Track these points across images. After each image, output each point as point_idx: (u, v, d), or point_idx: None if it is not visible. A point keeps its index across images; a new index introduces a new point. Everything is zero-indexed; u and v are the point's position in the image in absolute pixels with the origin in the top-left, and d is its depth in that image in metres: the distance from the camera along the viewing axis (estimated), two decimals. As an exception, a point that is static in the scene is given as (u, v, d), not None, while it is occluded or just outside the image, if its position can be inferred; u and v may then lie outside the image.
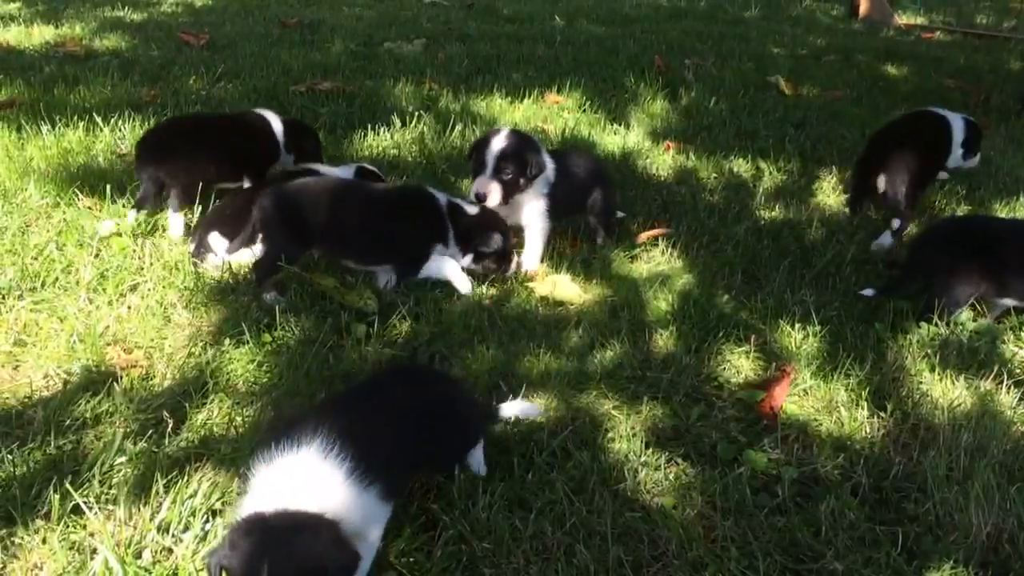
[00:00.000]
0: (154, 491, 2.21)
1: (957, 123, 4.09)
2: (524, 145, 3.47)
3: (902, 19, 9.62)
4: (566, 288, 3.32)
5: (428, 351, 2.91)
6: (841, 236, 3.84)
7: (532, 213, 3.54)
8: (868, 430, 2.61)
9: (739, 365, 2.95)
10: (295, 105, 5.27)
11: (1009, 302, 3.16)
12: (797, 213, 4.14)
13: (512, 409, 2.54)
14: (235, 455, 2.36)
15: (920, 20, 9.71)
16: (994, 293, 3.15)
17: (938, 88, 6.46)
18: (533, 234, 3.56)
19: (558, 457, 2.44)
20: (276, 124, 4.03)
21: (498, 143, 3.42)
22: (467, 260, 3.40)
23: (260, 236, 3.24)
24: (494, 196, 3.40)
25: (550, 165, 3.55)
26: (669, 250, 3.69)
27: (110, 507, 2.17)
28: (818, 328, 3.10)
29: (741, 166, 4.73)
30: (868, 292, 3.30)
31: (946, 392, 2.76)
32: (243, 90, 5.54)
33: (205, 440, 2.44)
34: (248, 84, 5.64)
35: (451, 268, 3.33)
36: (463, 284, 3.30)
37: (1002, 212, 4.18)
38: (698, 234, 3.83)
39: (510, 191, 3.43)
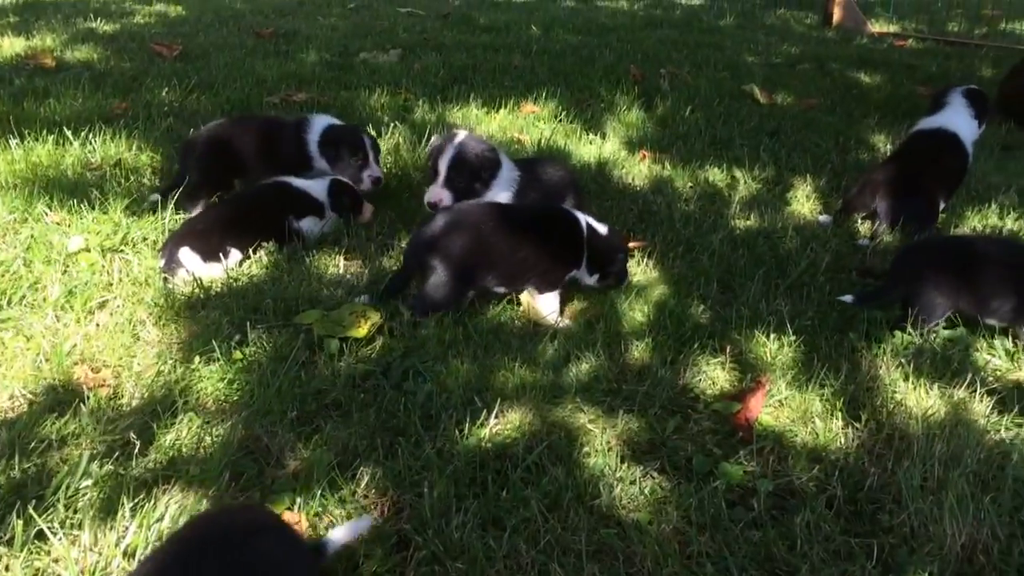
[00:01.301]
0: (120, 515, 2.17)
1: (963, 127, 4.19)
2: (477, 151, 3.45)
3: (875, 27, 9.69)
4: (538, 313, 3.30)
5: (402, 366, 2.88)
6: (815, 245, 3.85)
7: None
8: (843, 441, 2.61)
9: (715, 376, 2.94)
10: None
11: (991, 322, 3.16)
12: (772, 222, 4.15)
13: (342, 534, 2.12)
14: (204, 476, 2.32)
15: (892, 28, 9.78)
16: (974, 312, 3.16)
17: (911, 96, 6.50)
18: None
19: (533, 473, 2.42)
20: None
21: (450, 151, 3.40)
22: (594, 279, 3.37)
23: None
24: (446, 204, 3.39)
25: (514, 172, 3.54)
26: (645, 260, 3.68)
27: (75, 532, 2.12)
28: (793, 338, 3.10)
29: (716, 175, 4.74)
30: (847, 298, 3.31)
31: (920, 401, 2.77)
32: (216, 102, 5.49)
33: (173, 461, 2.40)
34: (221, 95, 5.60)
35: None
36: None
37: (975, 219, 4.20)
38: (674, 244, 3.83)
39: (465, 198, 3.41)
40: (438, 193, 3.42)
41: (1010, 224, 4.14)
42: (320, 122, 4.19)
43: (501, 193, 3.52)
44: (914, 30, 9.72)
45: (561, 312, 3.30)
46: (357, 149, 4.03)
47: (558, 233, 3.30)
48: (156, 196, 3.98)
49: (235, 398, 2.70)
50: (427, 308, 3.12)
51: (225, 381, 2.76)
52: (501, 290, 3.27)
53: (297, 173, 3.97)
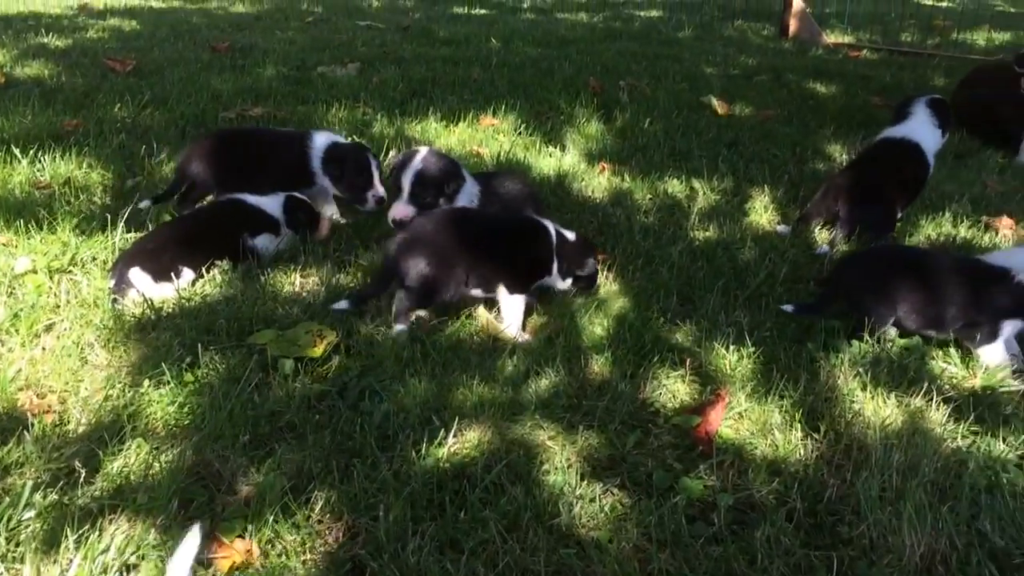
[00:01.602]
0: (64, 547, 2.10)
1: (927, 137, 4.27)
2: (440, 166, 3.44)
3: (830, 38, 9.82)
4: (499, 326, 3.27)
5: (358, 386, 2.83)
6: (773, 255, 3.86)
7: None
8: (802, 452, 2.61)
9: (675, 389, 2.93)
10: (224, 132, 5.16)
11: (931, 333, 3.19)
12: (731, 233, 4.16)
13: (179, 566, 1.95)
14: (151, 504, 2.25)
15: (847, 39, 9.91)
16: (914, 325, 3.18)
17: (865, 106, 6.59)
18: None
19: (492, 493, 2.38)
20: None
21: (414, 166, 3.38)
22: (567, 283, 3.42)
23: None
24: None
25: (474, 187, 3.52)
26: (605, 273, 3.67)
27: (17, 566, 2.05)
28: (752, 349, 3.10)
29: (675, 187, 4.75)
30: (787, 308, 3.32)
31: (878, 411, 2.78)
32: (170, 117, 5.41)
33: (120, 489, 2.33)
34: (176, 111, 5.51)
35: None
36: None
37: (928, 227, 4.25)
38: (633, 256, 3.82)
39: None
40: (403, 210, 3.39)
41: (963, 232, 4.19)
42: (323, 138, 4.16)
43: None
44: (868, 41, 9.87)
45: (523, 327, 3.28)
46: (362, 169, 3.97)
47: (529, 238, 3.36)
48: (147, 202, 4.01)
49: (186, 422, 2.64)
50: (416, 304, 3.16)
51: (176, 405, 2.69)
52: (478, 293, 3.27)
53: (298, 188, 3.96)
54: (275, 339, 2.99)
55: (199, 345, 2.94)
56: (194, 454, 2.49)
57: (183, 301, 3.29)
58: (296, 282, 3.52)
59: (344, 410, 2.70)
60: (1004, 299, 3.12)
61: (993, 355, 3.08)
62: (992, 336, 3.09)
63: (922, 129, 4.28)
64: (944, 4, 14.14)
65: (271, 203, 3.79)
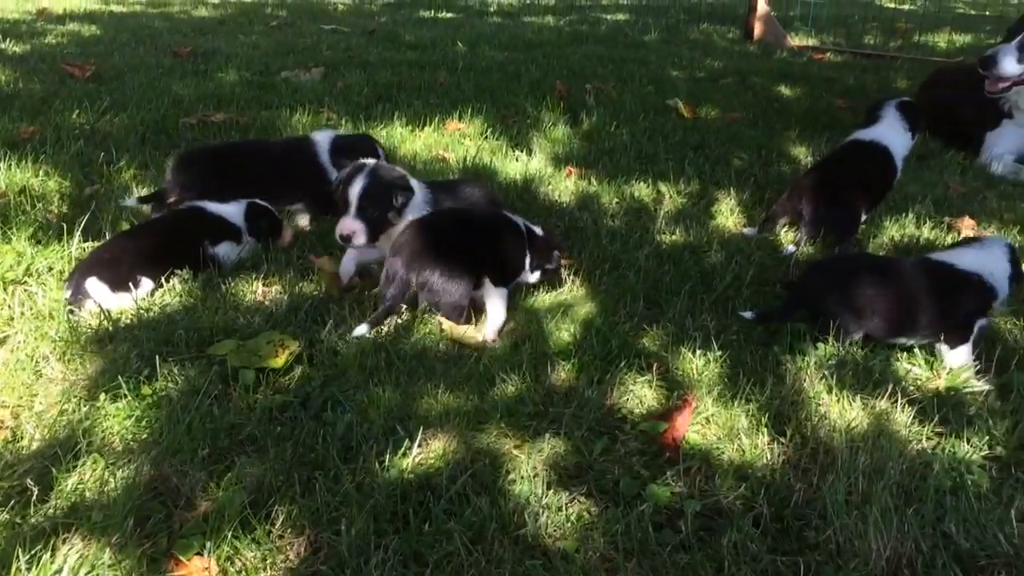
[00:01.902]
0: (15, 568, 2.03)
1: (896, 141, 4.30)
2: (388, 180, 3.38)
3: (794, 40, 9.91)
4: (460, 329, 3.23)
5: (321, 396, 2.78)
6: (740, 258, 3.87)
7: None
8: (769, 456, 2.60)
9: (642, 395, 2.91)
10: (185, 139, 5.09)
11: (903, 340, 3.20)
12: (697, 236, 4.16)
13: None
14: (107, 523, 2.19)
15: (811, 41, 10.00)
16: (883, 333, 3.18)
17: (829, 108, 6.64)
18: None
19: (457, 504, 2.35)
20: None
21: (360, 180, 3.33)
22: (535, 276, 3.48)
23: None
24: (359, 236, 3.32)
25: (428, 196, 3.47)
26: (571, 278, 3.65)
27: (-36, 590, 1.98)
28: (719, 353, 3.09)
29: (642, 190, 4.75)
30: (747, 315, 3.30)
31: (843, 413, 2.78)
32: (130, 123, 5.32)
33: (75, 507, 2.26)
34: (136, 117, 5.41)
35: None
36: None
37: (892, 229, 4.28)
38: (600, 261, 3.80)
39: (377, 229, 3.35)
40: (350, 225, 3.32)
41: (927, 234, 4.23)
42: (322, 135, 4.30)
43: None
44: (832, 43, 9.96)
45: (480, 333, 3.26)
46: (372, 155, 4.00)
47: (510, 235, 3.41)
48: (133, 201, 4.11)
49: (143, 437, 2.57)
50: (457, 312, 3.19)
51: (133, 419, 2.63)
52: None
53: (313, 191, 4.06)
54: (236, 350, 2.93)
55: (157, 357, 2.88)
56: (151, 469, 2.43)
57: (142, 312, 3.23)
58: (258, 291, 3.47)
59: (306, 421, 2.66)
60: (975, 302, 3.15)
61: (961, 357, 3.10)
62: (963, 339, 3.11)
63: (891, 132, 4.30)
64: (906, 7, 14.34)
65: (232, 210, 3.73)
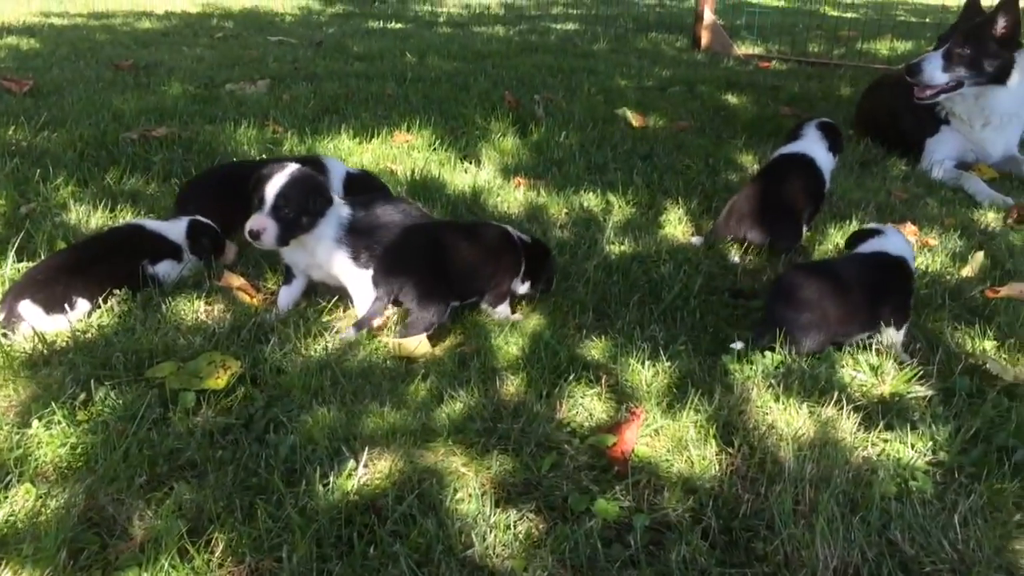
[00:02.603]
0: (-63, 609, 1.95)
1: (820, 155, 4.32)
2: (308, 183, 3.30)
3: (741, 49, 10.03)
4: (412, 342, 3.18)
5: (264, 418, 2.72)
6: (688, 268, 3.88)
7: (338, 264, 3.38)
8: (717, 468, 2.60)
9: (591, 408, 2.90)
10: (125, 154, 4.97)
11: (866, 336, 3.27)
12: (646, 246, 4.16)
13: None
14: (39, 555, 2.11)
15: (757, 50, 10.14)
16: (858, 332, 3.25)
17: (775, 116, 6.72)
18: (351, 286, 3.41)
19: (403, 525, 2.31)
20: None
21: (279, 178, 3.24)
22: (525, 286, 3.51)
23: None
24: (269, 234, 3.21)
25: (346, 211, 3.40)
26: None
27: None
28: (667, 364, 3.09)
29: (591, 200, 4.75)
30: (737, 345, 3.18)
31: (790, 422, 2.79)
32: (68, 139, 5.19)
33: (4, 540, 2.18)
34: (74, 132, 5.29)
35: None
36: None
37: (836, 235, 4.33)
38: (549, 273, 3.78)
39: (290, 231, 3.26)
40: (261, 221, 3.21)
41: (870, 239, 4.28)
42: (338, 166, 4.27)
43: (328, 232, 3.36)
44: (777, 52, 10.11)
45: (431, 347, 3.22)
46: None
47: (507, 247, 3.47)
48: None
49: (78, 464, 2.49)
50: (427, 326, 3.20)
51: (67, 446, 2.54)
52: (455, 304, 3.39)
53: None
54: (175, 372, 2.85)
55: (93, 381, 2.80)
56: (86, 499, 2.35)
57: (78, 334, 3.14)
58: (200, 310, 3.39)
59: (249, 444, 2.59)
60: (911, 283, 3.37)
61: (903, 335, 3.26)
62: (908, 318, 3.28)
63: (815, 147, 4.33)
64: (849, 15, 14.61)
65: (173, 228, 3.65)
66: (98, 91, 6.37)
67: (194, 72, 7.25)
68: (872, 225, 3.74)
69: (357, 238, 3.37)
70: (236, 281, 3.56)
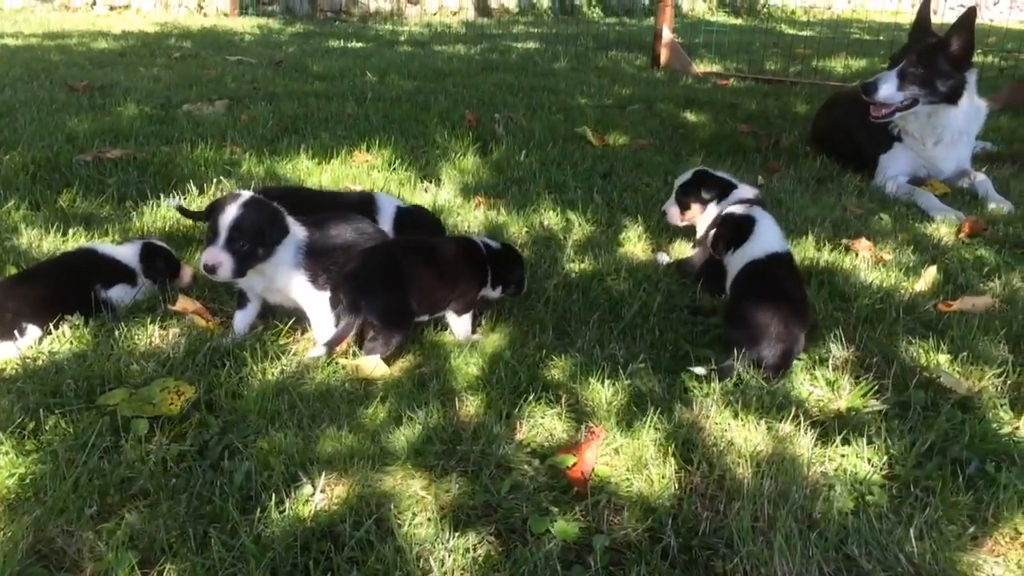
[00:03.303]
0: None
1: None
2: (263, 212, 3.24)
3: (699, 67, 10.17)
4: (369, 364, 3.15)
5: (220, 444, 2.68)
6: (647, 285, 3.90)
7: (297, 288, 3.34)
8: (676, 486, 2.60)
9: (551, 428, 2.89)
10: (79, 176, 4.90)
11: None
12: (606, 264, 4.18)
13: None
14: (-18, 593, 2.05)
15: (716, 68, 10.28)
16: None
17: (733, 133, 6.81)
18: (310, 308, 3.38)
19: (361, 551, 2.27)
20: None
21: (232, 209, 3.17)
22: (497, 292, 3.61)
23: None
24: (224, 268, 3.14)
25: (302, 234, 3.36)
26: (480, 311, 3.62)
27: None
28: (627, 382, 3.09)
29: (551, 219, 4.77)
30: (699, 371, 3.15)
31: (748, 439, 2.80)
32: (21, 161, 5.10)
33: (-54, 578, 2.12)
34: (27, 155, 5.20)
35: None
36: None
37: (795, 252, 4.36)
38: (509, 292, 3.78)
39: (246, 263, 3.20)
40: (215, 255, 3.13)
41: (826, 256, 4.33)
42: (388, 203, 4.20)
43: (286, 257, 3.31)
44: (735, 70, 10.26)
45: (388, 364, 3.20)
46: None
47: (472, 257, 3.51)
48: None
49: (27, 495, 2.43)
50: (393, 344, 3.22)
51: (15, 477, 2.48)
52: (424, 318, 3.42)
53: None
54: (127, 399, 2.80)
55: (43, 409, 2.73)
56: (35, 531, 2.29)
57: (27, 361, 3.07)
58: (154, 335, 3.33)
59: (203, 471, 2.54)
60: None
61: None
62: None
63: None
64: (805, 33, 14.88)
65: (126, 252, 3.60)
66: (52, 112, 6.28)
67: (150, 93, 7.18)
68: (739, 210, 3.82)
69: (315, 260, 3.34)
70: (191, 305, 3.51)
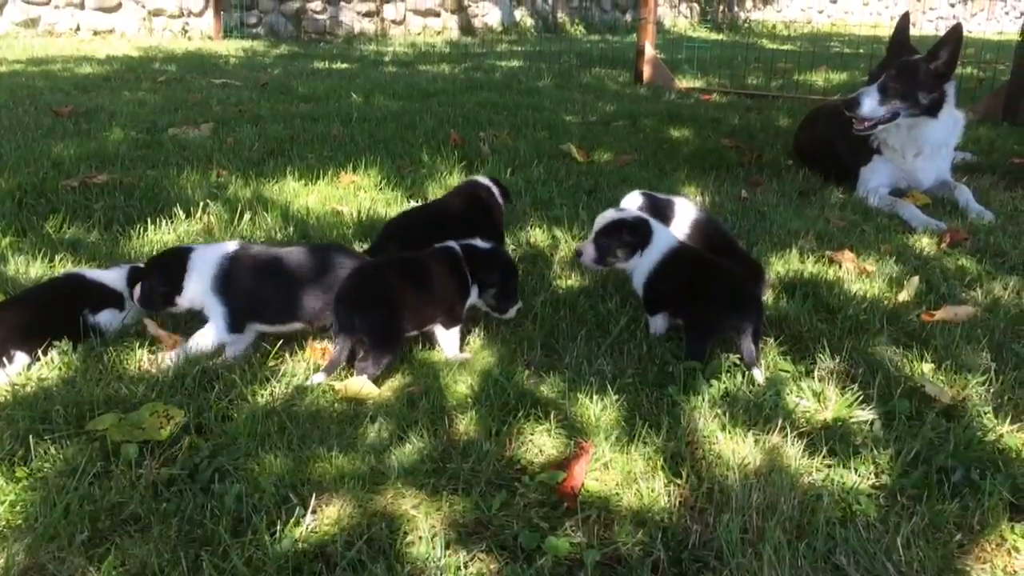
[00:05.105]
0: None
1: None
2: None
3: (682, 83, 10.26)
4: (358, 384, 3.16)
5: (211, 467, 2.68)
6: (633, 300, 3.93)
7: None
8: (666, 499, 2.62)
9: (541, 444, 2.91)
10: (65, 202, 4.90)
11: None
12: (593, 280, 4.21)
13: None
14: (-27, 622, 2.05)
15: (698, 83, 10.38)
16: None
17: (717, 148, 6.87)
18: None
19: (353, 571, 2.28)
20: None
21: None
22: (484, 300, 3.62)
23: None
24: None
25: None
26: (468, 329, 3.64)
27: None
28: (615, 397, 3.11)
29: (537, 236, 4.80)
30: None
31: (736, 451, 2.82)
32: (6, 188, 5.10)
33: (-63, 607, 2.11)
34: (12, 181, 5.20)
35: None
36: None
37: (777, 264, 4.42)
38: (497, 310, 3.80)
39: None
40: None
41: (810, 268, 4.38)
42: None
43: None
44: (718, 85, 10.36)
45: (378, 384, 3.22)
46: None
47: (451, 268, 3.51)
48: None
49: (17, 522, 2.42)
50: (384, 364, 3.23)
51: (5, 504, 2.47)
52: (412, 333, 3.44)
53: None
54: (117, 423, 2.80)
55: (32, 436, 2.73)
56: (26, 558, 2.29)
57: (16, 388, 3.07)
58: (144, 359, 3.34)
59: (194, 495, 2.55)
60: None
61: None
62: None
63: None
64: (786, 47, 15.04)
65: (113, 276, 3.60)
66: (37, 138, 6.28)
67: (136, 117, 7.19)
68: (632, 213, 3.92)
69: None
70: (170, 340, 3.50)
